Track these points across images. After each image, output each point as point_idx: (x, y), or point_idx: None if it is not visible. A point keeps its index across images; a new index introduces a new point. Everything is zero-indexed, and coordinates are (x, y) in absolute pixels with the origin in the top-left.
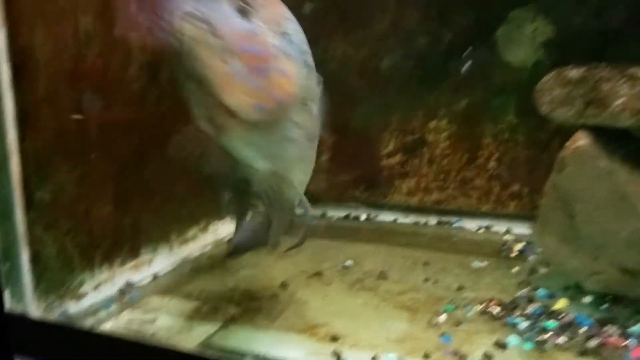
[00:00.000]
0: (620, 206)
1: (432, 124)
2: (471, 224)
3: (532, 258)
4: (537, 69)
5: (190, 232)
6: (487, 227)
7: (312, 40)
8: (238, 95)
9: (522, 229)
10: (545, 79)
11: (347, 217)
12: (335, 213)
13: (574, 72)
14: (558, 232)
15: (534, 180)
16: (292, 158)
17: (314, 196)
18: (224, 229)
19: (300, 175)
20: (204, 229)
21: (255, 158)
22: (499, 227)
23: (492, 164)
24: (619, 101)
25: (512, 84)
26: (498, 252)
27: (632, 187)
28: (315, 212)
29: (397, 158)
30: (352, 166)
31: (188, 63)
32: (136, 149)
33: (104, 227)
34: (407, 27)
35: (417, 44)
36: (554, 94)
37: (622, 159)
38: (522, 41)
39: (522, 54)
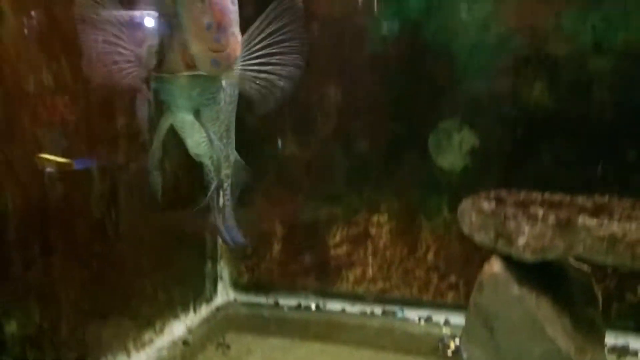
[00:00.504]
0: (532, 329)
1: (375, 219)
2: (413, 314)
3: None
4: (465, 173)
5: (146, 336)
6: (428, 318)
7: (266, 140)
8: (203, 47)
9: (459, 319)
10: (464, 203)
11: (298, 306)
12: (287, 302)
13: (485, 205)
14: (481, 342)
15: (469, 272)
16: (218, 119)
17: (267, 285)
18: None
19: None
20: (160, 330)
21: (186, 110)
22: (439, 317)
23: (430, 256)
24: (522, 240)
25: (445, 185)
26: (436, 348)
27: (541, 313)
28: (268, 300)
29: (344, 249)
30: (303, 256)
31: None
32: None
33: None
34: (350, 131)
35: (358, 147)
36: (472, 219)
37: (531, 286)
38: (451, 148)
39: (451, 160)
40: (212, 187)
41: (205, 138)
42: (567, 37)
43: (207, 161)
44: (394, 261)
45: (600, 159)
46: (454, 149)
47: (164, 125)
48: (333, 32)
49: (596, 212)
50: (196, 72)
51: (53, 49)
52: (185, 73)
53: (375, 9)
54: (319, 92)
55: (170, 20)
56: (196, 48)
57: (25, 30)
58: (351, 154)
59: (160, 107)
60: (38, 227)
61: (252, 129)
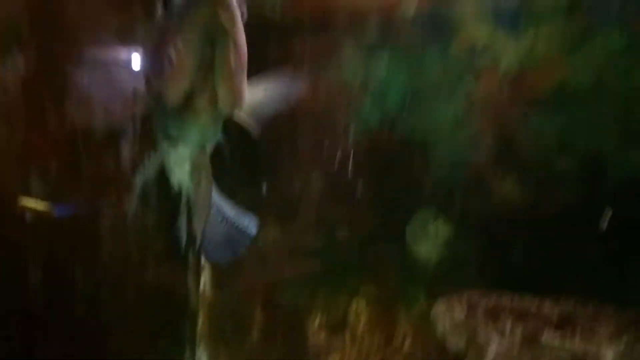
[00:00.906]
0: None
1: (354, 307)
2: None
3: None
4: (441, 263)
5: None
6: None
7: None
8: (230, 87)
9: None
10: (437, 307)
11: None
12: None
13: (458, 311)
14: None
15: None
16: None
17: None
18: None
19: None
20: None
21: (195, 145)
22: None
23: (407, 344)
24: (492, 354)
25: (421, 275)
26: None
27: None
28: None
29: (322, 336)
30: (281, 343)
31: (220, 38)
32: None
33: None
34: (330, 219)
35: (339, 234)
36: (445, 322)
37: None
38: (427, 239)
39: (427, 250)
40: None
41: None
42: (534, 138)
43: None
44: (372, 350)
45: (566, 255)
46: (429, 239)
47: (158, 159)
48: (315, 126)
49: (561, 323)
50: (218, 111)
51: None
52: (211, 111)
53: (356, 105)
54: (301, 180)
55: (199, 60)
56: (225, 88)
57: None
58: (331, 242)
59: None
60: None
61: None
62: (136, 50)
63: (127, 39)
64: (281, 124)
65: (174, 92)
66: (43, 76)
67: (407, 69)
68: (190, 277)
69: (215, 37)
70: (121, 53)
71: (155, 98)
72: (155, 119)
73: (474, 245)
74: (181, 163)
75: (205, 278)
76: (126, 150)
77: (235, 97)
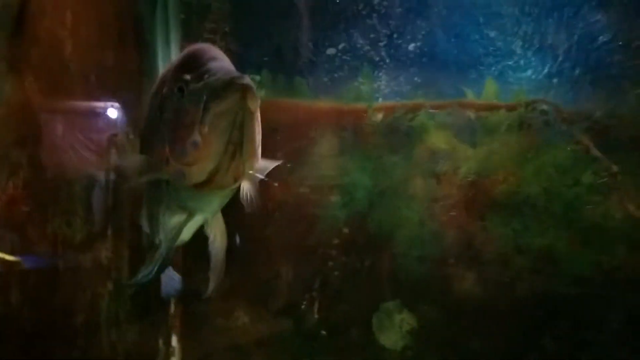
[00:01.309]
0: None
1: None
2: None
3: None
4: (405, 351)
5: None
6: None
7: (220, 313)
8: (258, 161)
9: None
10: None
11: None
12: None
13: None
14: None
15: None
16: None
17: None
18: None
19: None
20: None
21: (209, 214)
22: None
23: None
24: None
25: None
26: None
27: None
28: None
29: None
30: None
31: (248, 121)
32: None
33: None
34: (299, 309)
35: (307, 323)
36: None
37: None
38: (392, 328)
39: (392, 338)
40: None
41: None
42: (491, 237)
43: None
44: None
45: (523, 347)
46: (395, 329)
47: (184, 226)
48: (288, 220)
49: None
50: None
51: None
52: (233, 186)
53: (325, 200)
54: (272, 270)
55: (227, 143)
56: (251, 164)
57: None
58: (301, 330)
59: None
60: None
61: (206, 300)
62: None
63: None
64: (253, 216)
65: (199, 172)
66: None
67: (374, 171)
68: None
69: (243, 121)
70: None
71: (176, 177)
72: (167, 193)
73: (437, 336)
74: (192, 226)
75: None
76: (99, 202)
77: (255, 170)
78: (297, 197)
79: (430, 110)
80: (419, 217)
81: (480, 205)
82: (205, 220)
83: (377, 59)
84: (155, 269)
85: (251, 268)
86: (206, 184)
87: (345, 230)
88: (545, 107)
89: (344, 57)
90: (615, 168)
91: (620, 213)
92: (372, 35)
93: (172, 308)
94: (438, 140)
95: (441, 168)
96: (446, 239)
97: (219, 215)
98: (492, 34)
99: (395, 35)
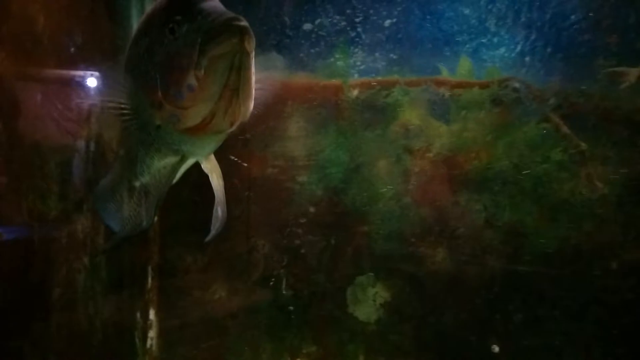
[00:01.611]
0: None
1: None
2: None
3: None
4: (378, 324)
5: None
6: None
7: (196, 285)
8: (251, 103)
9: None
10: None
11: None
12: None
13: None
14: None
15: None
16: None
17: None
18: None
19: None
20: None
21: (203, 157)
22: None
23: None
24: None
25: (360, 335)
26: None
27: None
28: None
29: None
30: None
31: (243, 66)
32: None
33: None
34: (275, 281)
35: (283, 296)
36: None
37: None
38: (366, 301)
39: (366, 311)
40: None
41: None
42: (462, 212)
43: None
44: None
45: (492, 321)
46: (368, 302)
47: (178, 169)
48: (264, 196)
49: None
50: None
51: None
52: (229, 130)
53: (301, 175)
54: (248, 244)
55: (224, 85)
56: (246, 107)
57: None
58: (276, 303)
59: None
60: None
61: (183, 274)
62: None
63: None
64: (228, 191)
65: (195, 115)
66: None
67: (350, 146)
68: (137, 334)
69: (241, 64)
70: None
71: (170, 120)
72: (157, 137)
73: (409, 309)
74: (182, 169)
75: (152, 335)
76: (79, 169)
77: (248, 113)
78: (273, 172)
79: (405, 87)
80: (393, 192)
81: (453, 181)
82: (200, 161)
83: (353, 34)
84: (151, 213)
85: (227, 243)
86: (202, 128)
87: (321, 205)
88: (517, 84)
89: (320, 32)
90: (583, 145)
91: (588, 190)
92: (348, 11)
93: (150, 281)
94: (412, 116)
95: (415, 144)
96: (419, 214)
97: (212, 156)
98: (466, 11)
99: (371, 11)
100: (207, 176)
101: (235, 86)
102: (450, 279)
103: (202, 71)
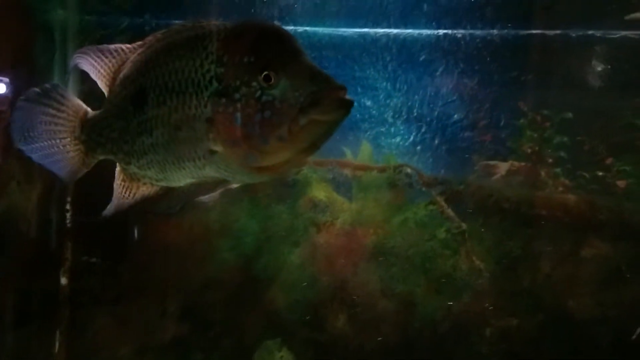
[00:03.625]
0: None
1: None
2: None
3: None
4: None
5: None
6: None
7: None
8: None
9: None
10: None
11: None
12: None
13: None
14: None
15: None
16: None
17: None
18: None
19: None
20: None
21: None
22: None
23: None
24: None
25: None
26: None
27: None
28: None
29: None
30: None
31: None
32: None
33: None
34: (185, 344)
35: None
36: None
37: None
38: None
39: None
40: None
41: None
42: (361, 283)
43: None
44: None
45: None
46: None
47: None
48: (179, 258)
49: None
50: None
51: None
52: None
53: (213, 243)
54: (160, 306)
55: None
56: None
57: None
58: None
59: None
60: None
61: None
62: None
63: None
64: (144, 253)
65: (270, 161)
66: None
67: (262, 218)
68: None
69: (333, 129)
70: None
71: (244, 160)
72: (212, 161)
73: None
74: None
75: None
76: None
77: None
78: (189, 237)
79: (314, 166)
80: (300, 261)
81: (354, 252)
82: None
83: None
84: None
85: (138, 305)
86: (268, 169)
87: (233, 271)
88: (409, 170)
89: None
90: (464, 226)
91: (467, 265)
92: None
93: (57, 343)
94: (319, 193)
95: (321, 218)
96: (323, 283)
97: None
98: (368, 102)
99: None
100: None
101: (320, 144)
102: (349, 343)
103: (299, 127)
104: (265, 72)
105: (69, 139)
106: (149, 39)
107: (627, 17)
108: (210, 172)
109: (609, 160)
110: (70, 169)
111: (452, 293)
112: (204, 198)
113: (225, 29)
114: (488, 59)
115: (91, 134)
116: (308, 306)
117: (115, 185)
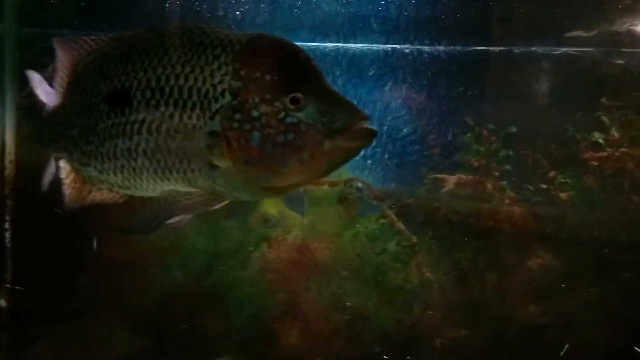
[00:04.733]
0: None
1: None
2: None
3: None
4: None
5: None
6: None
7: None
8: None
9: None
10: None
11: None
12: None
13: None
14: None
15: None
16: None
17: None
18: None
19: None
20: None
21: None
22: None
23: None
24: None
25: None
26: None
27: None
28: None
29: None
30: None
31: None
32: None
33: None
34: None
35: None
36: None
37: None
38: None
39: None
40: None
41: None
42: (313, 298)
43: None
44: None
45: None
46: None
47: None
48: (126, 278)
49: None
50: None
51: None
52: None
53: (162, 260)
54: (105, 328)
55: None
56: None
57: None
58: None
59: None
60: None
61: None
62: None
63: None
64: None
65: (284, 182)
66: None
67: (212, 234)
68: None
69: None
70: None
71: (256, 179)
72: (212, 175)
73: None
74: None
75: None
76: None
77: None
78: (137, 256)
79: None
80: (251, 277)
81: (306, 267)
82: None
83: None
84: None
85: (83, 324)
86: (274, 190)
87: (184, 289)
88: (360, 184)
89: None
90: (414, 239)
91: (418, 277)
92: None
93: None
94: (271, 208)
95: (273, 233)
96: (275, 298)
97: None
98: None
99: None
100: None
101: (335, 170)
102: (301, 358)
103: (322, 153)
104: (292, 94)
105: None
106: (127, 35)
107: (567, 35)
108: (202, 185)
109: (551, 173)
110: None
111: (404, 306)
112: (172, 222)
113: (241, 40)
114: (436, 74)
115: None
116: (259, 322)
117: (64, 187)
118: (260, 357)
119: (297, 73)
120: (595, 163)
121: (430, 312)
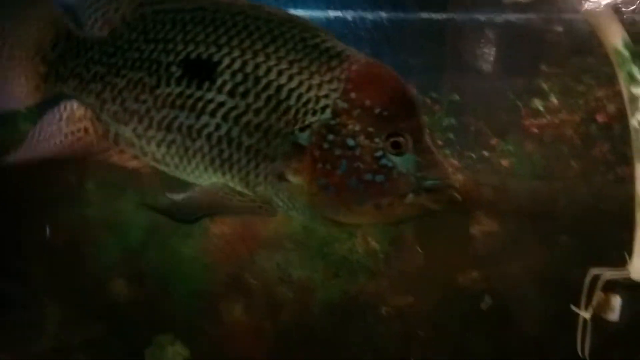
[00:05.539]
0: None
1: None
2: None
3: None
4: None
5: None
6: None
7: None
8: None
9: None
10: None
11: None
12: None
13: None
14: None
15: None
16: None
17: None
18: None
19: None
20: None
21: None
22: None
23: None
24: None
25: None
26: None
27: None
28: None
29: None
30: None
31: None
32: None
33: None
34: (75, 341)
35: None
36: None
37: None
38: None
39: None
40: None
41: None
42: (258, 271)
43: None
44: None
45: None
46: None
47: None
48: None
49: None
50: None
51: None
52: None
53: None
54: (42, 309)
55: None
56: None
57: None
58: None
59: None
60: None
61: None
62: None
63: None
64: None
65: (348, 218)
66: None
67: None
68: None
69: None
70: None
71: (324, 209)
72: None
73: None
74: None
75: None
76: None
77: None
78: (69, 234)
79: None
80: (193, 253)
81: (250, 241)
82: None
83: None
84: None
85: (16, 308)
86: (337, 223)
87: (121, 266)
88: None
89: None
90: None
91: (363, 247)
92: None
93: None
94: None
95: None
96: (218, 273)
97: None
98: None
99: None
100: None
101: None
102: (247, 332)
103: (401, 205)
104: (396, 137)
105: (24, 54)
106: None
107: (505, 1)
108: (260, 192)
109: (493, 141)
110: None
111: (349, 276)
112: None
113: (359, 60)
114: (378, 42)
115: (67, 60)
116: (202, 298)
117: (61, 125)
118: (203, 333)
119: (406, 116)
120: (536, 130)
121: (375, 281)
